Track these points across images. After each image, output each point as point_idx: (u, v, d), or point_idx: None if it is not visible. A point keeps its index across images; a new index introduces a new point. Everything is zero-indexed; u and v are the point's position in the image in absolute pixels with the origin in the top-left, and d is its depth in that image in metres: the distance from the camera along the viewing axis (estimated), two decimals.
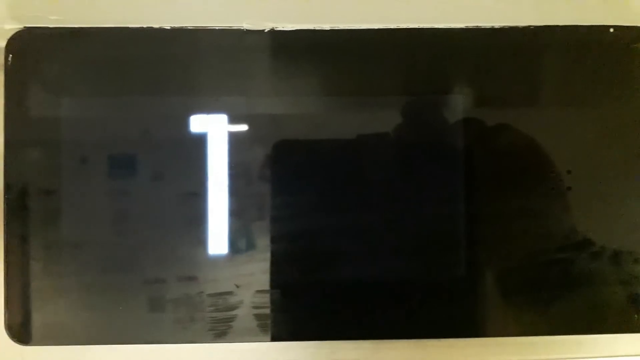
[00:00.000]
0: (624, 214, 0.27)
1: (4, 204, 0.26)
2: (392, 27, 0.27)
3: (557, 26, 0.27)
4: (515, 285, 0.27)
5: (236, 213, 0.27)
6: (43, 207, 0.26)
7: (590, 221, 0.27)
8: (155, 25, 0.27)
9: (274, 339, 0.27)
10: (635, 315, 0.27)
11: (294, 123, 0.27)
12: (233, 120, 0.27)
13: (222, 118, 0.27)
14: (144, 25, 0.27)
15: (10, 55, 0.26)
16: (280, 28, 0.27)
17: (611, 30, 0.27)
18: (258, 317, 0.27)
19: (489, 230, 0.27)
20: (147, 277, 0.26)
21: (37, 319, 0.26)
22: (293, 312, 0.27)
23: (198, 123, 0.27)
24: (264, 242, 0.27)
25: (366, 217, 0.27)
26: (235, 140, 0.27)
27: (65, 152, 0.26)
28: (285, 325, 0.27)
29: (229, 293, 0.27)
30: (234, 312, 0.27)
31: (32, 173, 0.26)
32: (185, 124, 0.27)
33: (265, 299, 0.27)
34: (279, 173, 0.27)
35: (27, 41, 0.26)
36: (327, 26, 0.27)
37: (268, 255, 0.27)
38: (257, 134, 0.27)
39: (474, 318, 0.27)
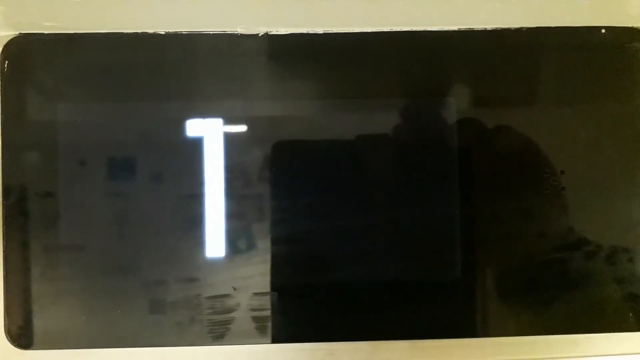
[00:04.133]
0: (617, 213, 0.27)
1: (3, 208, 0.26)
2: (385, 30, 0.27)
3: (550, 27, 0.27)
4: (511, 285, 0.27)
5: (235, 215, 0.27)
6: (42, 211, 0.26)
7: (585, 221, 0.27)
8: (150, 31, 0.27)
9: (272, 340, 0.27)
10: (631, 314, 0.27)
11: (290, 126, 0.27)
12: (230, 123, 0.27)
13: (219, 122, 0.27)
14: (139, 31, 0.27)
15: (7, 62, 0.26)
16: (274, 32, 0.27)
17: (603, 31, 0.27)
18: (255, 319, 0.27)
19: (485, 231, 0.27)
20: (147, 279, 0.26)
21: (38, 323, 0.26)
22: (290, 314, 0.27)
23: (195, 127, 0.27)
24: (262, 244, 0.27)
25: (364, 218, 0.27)
26: (232, 143, 0.27)
27: (63, 156, 0.26)
28: (283, 327, 0.27)
29: (227, 296, 0.27)
30: (231, 315, 0.27)
31: (30, 177, 0.26)
32: (182, 128, 0.27)
33: (263, 301, 0.27)
34: (276, 175, 0.27)
35: (23, 47, 0.27)
36: (320, 30, 0.27)
37: (265, 257, 0.27)
38: (255, 136, 0.27)
39: (471, 318, 0.27)
